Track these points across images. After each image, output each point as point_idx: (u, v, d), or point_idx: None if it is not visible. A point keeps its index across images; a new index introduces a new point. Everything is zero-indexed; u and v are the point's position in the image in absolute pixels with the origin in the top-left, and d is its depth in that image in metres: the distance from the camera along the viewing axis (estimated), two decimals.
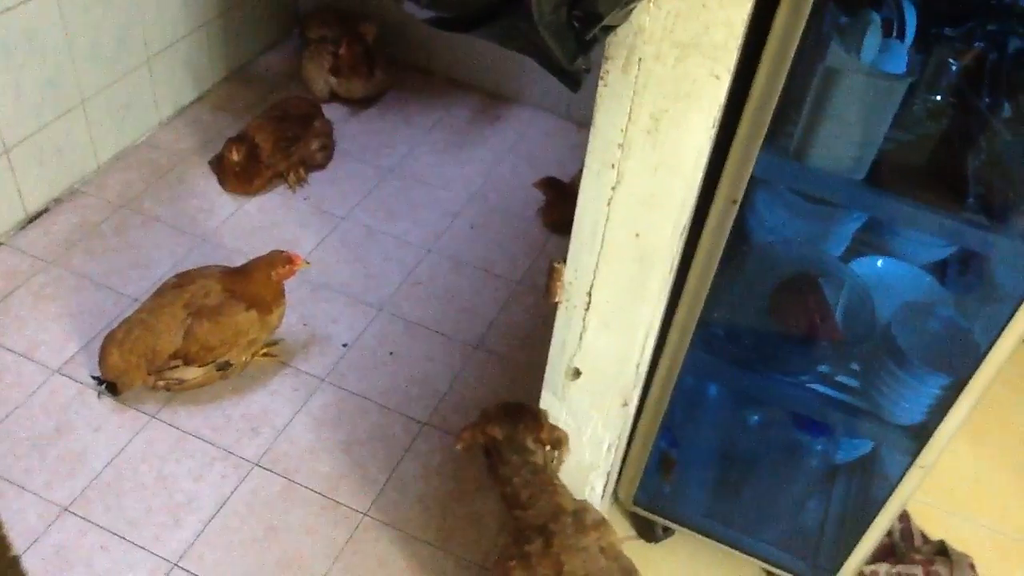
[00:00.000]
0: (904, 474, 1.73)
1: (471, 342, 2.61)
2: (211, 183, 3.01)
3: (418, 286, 2.77)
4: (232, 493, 2.15)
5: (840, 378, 1.75)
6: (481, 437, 1.84)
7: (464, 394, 2.47)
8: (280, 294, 2.32)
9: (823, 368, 1.76)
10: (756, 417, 1.92)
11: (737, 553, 2.05)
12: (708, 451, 2.00)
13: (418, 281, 2.79)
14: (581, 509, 1.74)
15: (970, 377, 1.57)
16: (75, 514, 2.06)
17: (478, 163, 3.32)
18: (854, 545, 1.87)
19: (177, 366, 2.21)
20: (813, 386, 1.77)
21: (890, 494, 1.76)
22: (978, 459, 2.49)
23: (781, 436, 1.90)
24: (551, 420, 1.86)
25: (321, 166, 3.17)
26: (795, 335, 1.76)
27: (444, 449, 2.32)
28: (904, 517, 2.23)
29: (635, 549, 2.12)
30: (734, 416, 1.92)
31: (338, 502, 2.17)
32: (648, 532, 2.13)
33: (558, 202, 2.99)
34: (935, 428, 1.64)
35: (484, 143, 3.42)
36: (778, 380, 1.80)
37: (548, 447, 1.84)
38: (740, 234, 1.64)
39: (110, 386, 2.25)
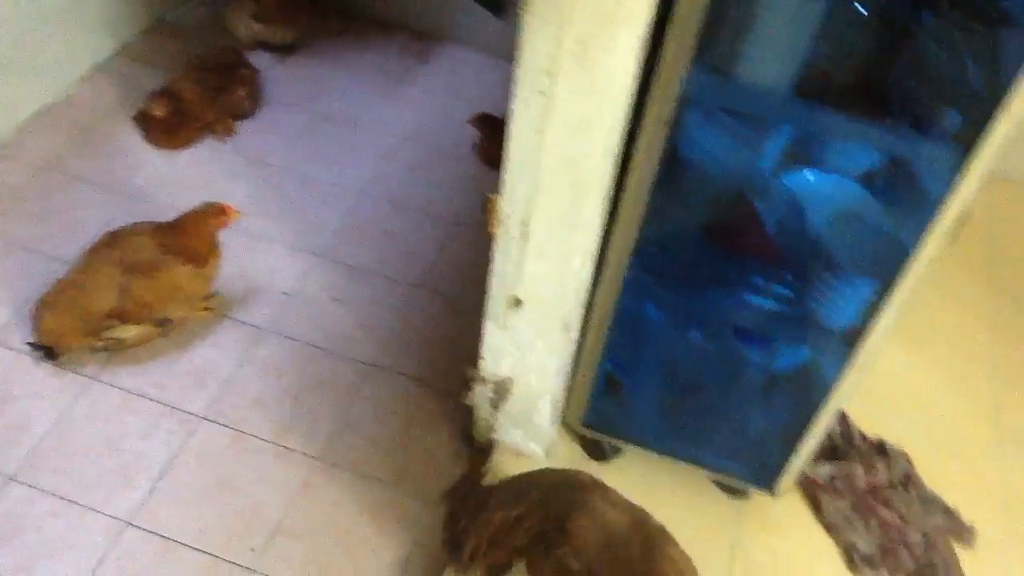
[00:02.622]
0: (839, 378, 1.78)
1: (415, 282, 2.61)
2: (136, 139, 2.93)
3: (357, 230, 2.75)
4: (181, 449, 2.14)
5: (775, 289, 1.79)
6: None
7: (411, 334, 2.47)
8: (215, 246, 2.29)
9: (758, 281, 1.79)
10: (697, 334, 1.95)
11: (685, 465, 2.11)
12: (652, 370, 2.03)
13: (357, 225, 2.76)
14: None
15: (898, 280, 1.62)
16: (22, 483, 2.03)
17: (410, 104, 3.28)
18: (796, 449, 1.94)
19: (114, 325, 2.17)
20: (749, 299, 1.81)
21: (827, 398, 1.82)
22: (912, 361, 2.57)
23: (722, 350, 1.94)
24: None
25: (250, 115, 3.10)
26: (729, 251, 1.79)
27: (394, 389, 2.33)
28: (844, 419, 2.30)
29: (586, 470, 2.16)
30: (676, 334, 1.96)
31: (290, 449, 2.17)
32: (598, 452, 2.17)
33: (493, 138, 2.97)
34: (867, 331, 1.69)
35: (415, 83, 3.38)
36: (715, 296, 1.83)
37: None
38: (673, 156, 1.65)
39: (47, 351, 2.21)
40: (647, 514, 1.74)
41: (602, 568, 1.63)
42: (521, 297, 1.82)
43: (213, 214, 2.25)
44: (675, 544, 1.71)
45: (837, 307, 1.70)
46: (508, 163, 1.63)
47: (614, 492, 1.78)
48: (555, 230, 1.69)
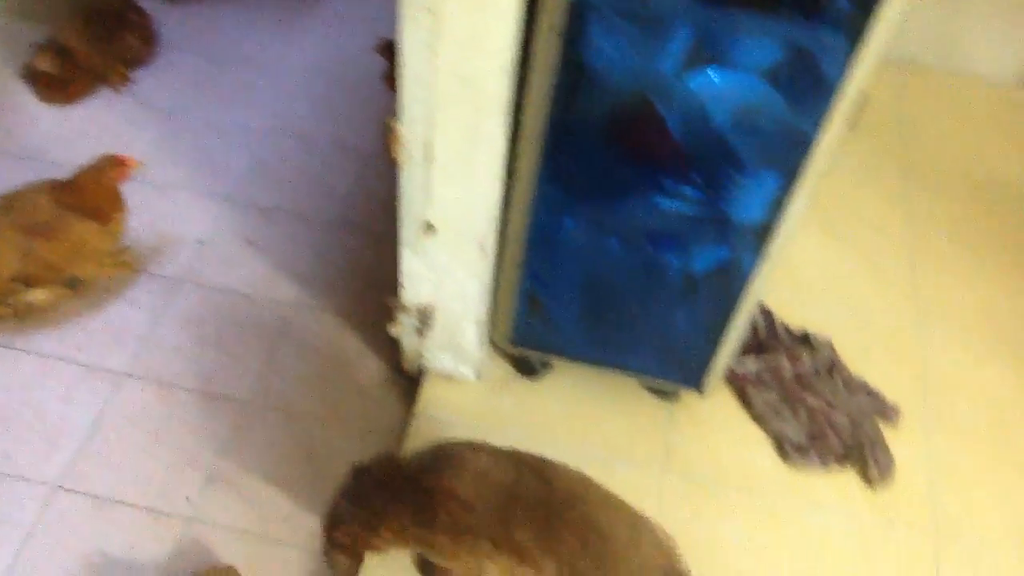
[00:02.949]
0: (755, 273, 1.81)
1: (331, 218, 2.56)
2: (27, 96, 2.80)
3: (268, 171, 2.68)
4: (106, 408, 2.10)
5: (685, 191, 1.79)
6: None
7: (332, 271, 2.44)
8: (117, 200, 2.21)
9: (668, 184, 1.79)
10: (614, 242, 1.95)
11: (615, 373, 2.14)
12: (574, 283, 2.03)
13: (267, 166, 2.70)
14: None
15: (802, 171, 1.63)
16: None
17: (312, 36, 3.18)
18: (719, 347, 1.97)
19: (20, 290, 2.10)
20: (661, 203, 1.81)
21: (745, 294, 1.84)
22: (831, 250, 2.62)
23: (640, 257, 1.94)
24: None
25: (144, 62, 2.98)
26: (637, 157, 1.78)
27: (319, 328, 2.31)
28: (767, 313, 2.35)
29: (518, 388, 2.18)
30: (593, 245, 1.95)
31: (217, 396, 2.15)
32: (528, 369, 2.18)
33: None
34: (778, 224, 1.71)
35: (315, 14, 3.27)
36: (628, 203, 1.83)
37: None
38: (572, 65, 1.62)
39: None
40: (520, 451, 1.67)
41: (500, 509, 1.55)
42: (433, 222, 1.80)
43: (112, 167, 2.17)
44: (564, 465, 1.65)
45: (746, 203, 1.71)
46: (403, 85, 1.60)
47: (483, 443, 1.69)
48: (459, 150, 1.66)
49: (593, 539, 1.49)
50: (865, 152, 2.89)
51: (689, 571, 1.50)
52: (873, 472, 2.10)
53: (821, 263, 2.58)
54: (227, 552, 1.93)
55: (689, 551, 1.95)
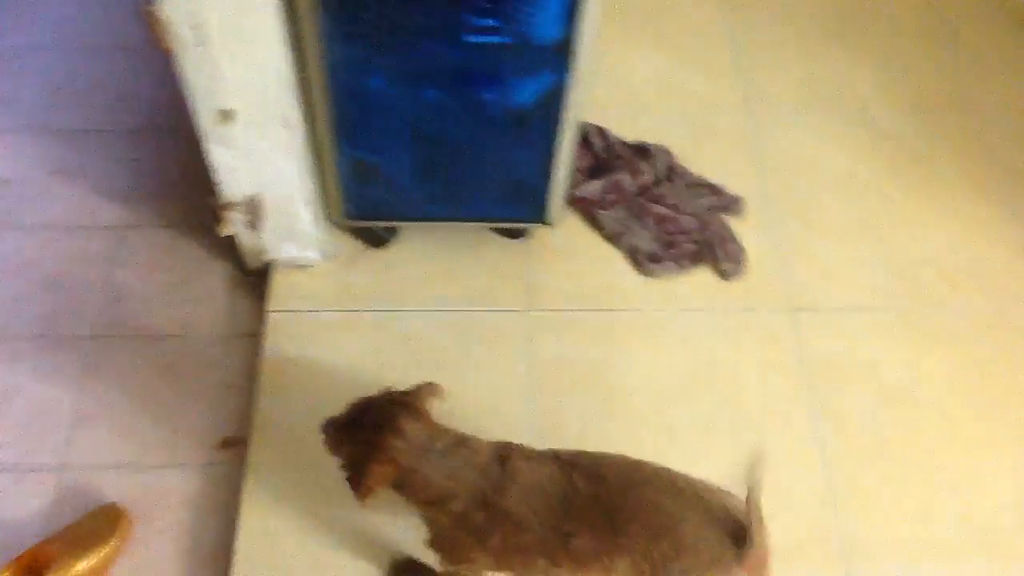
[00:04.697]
0: (569, 92, 1.77)
1: (139, 127, 2.40)
2: None
3: (61, 92, 2.48)
4: None
5: (485, 22, 1.72)
6: (384, 479, 1.43)
7: (152, 183, 2.30)
8: None
9: (467, 18, 1.72)
10: (430, 90, 1.88)
11: (462, 224, 2.11)
12: (399, 142, 1.97)
13: (59, 87, 2.50)
14: (501, 446, 1.51)
15: None
16: None
17: None
18: (554, 175, 1.95)
19: None
20: (466, 39, 1.75)
21: (564, 117, 1.82)
22: (656, 60, 2.60)
23: (459, 100, 1.88)
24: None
25: None
26: None
27: (153, 244, 2.20)
28: (602, 133, 2.33)
29: (370, 260, 2.14)
30: (409, 98, 1.88)
31: (63, 337, 2.04)
32: (374, 240, 2.14)
33: None
34: (578, 39, 1.67)
35: None
36: (433, 46, 1.75)
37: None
38: None
39: None
40: (561, 452, 1.52)
41: (555, 522, 1.43)
42: (228, 107, 1.69)
43: None
44: (609, 455, 1.51)
45: (542, 22, 1.65)
46: None
47: (529, 449, 1.52)
48: (233, 24, 1.55)
49: (661, 522, 1.39)
50: None
51: (760, 518, 1.43)
52: (726, 265, 2.16)
53: (649, 73, 2.57)
54: (109, 490, 1.88)
55: (571, 380, 2.01)
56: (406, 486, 1.42)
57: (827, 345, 2.10)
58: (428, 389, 1.49)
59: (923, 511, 1.90)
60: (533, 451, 1.51)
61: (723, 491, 1.44)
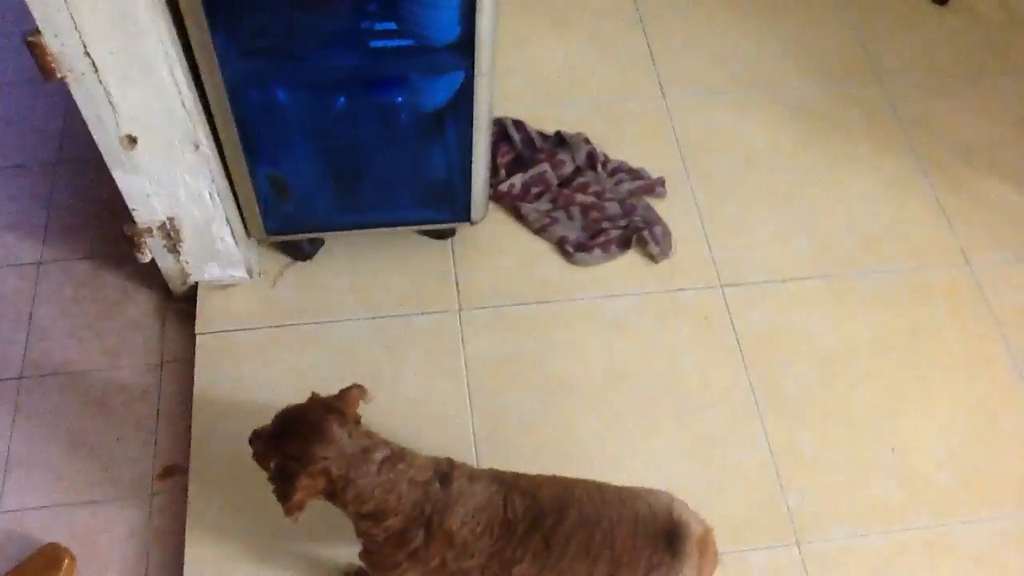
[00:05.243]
0: (478, 88, 1.77)
1: (51, 161, 2.35)
2: None
3: None
4: None
5: (383, 26, 1.71)
6: (312, 491, 1.38)
7: (68, 215, 2.25)
8: None
9: (366, 25, 1.71)
10: (340, 98, 1.87)
11: (387, 230, 2.10)
12: (314, 154, 1.95)
13: None
14: (441, 463, 1.48)
15: None
16: None
17: None
18: (473, 172, 1.95)
19: None
20: (369, 44, 1.74)
21: (475, 113, 1.81)
22: (567, 48, 2.60)
23: (369, 105, 1.87)
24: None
25: None
26: (318, 4, 1.68)
27: (74, 278, 2.15)
28: (520, 126, 2.34)
29: (297, 274, 2.12)
30: (320, 108, 1.86)
31: None
32: (300, 253, 2.12)
33: None
34: (479, 34, 1.66)
35: None
36: (331, 54, 1.74)
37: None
38: None
39: None
40: (499, 471, 1.52)
41: (496, 546, 1.43)
42: (132, 133, 1.66)
43: None
44: (541, 475, 1.51)
45: (440, 22, 1.65)
46: None
47: (469, 468, 1.51)
48: (124, 50, 1.52)
49: (595, 540, 1.39)
50: None
51: (692, 518, 1.41)
52: (653, 248, 2.17)
53: (562, 62, 2.57)
54: (50, 531, 1.84)
55: (509, 375, 2.01)
56: (339, 497, 1.40)
57: (758, 318, 2.13)
58: (356, 392, 1.45)
59: (865, 475, 1.94)
60: (474, 470, 1.49)
61: (649, 491, 1.45)
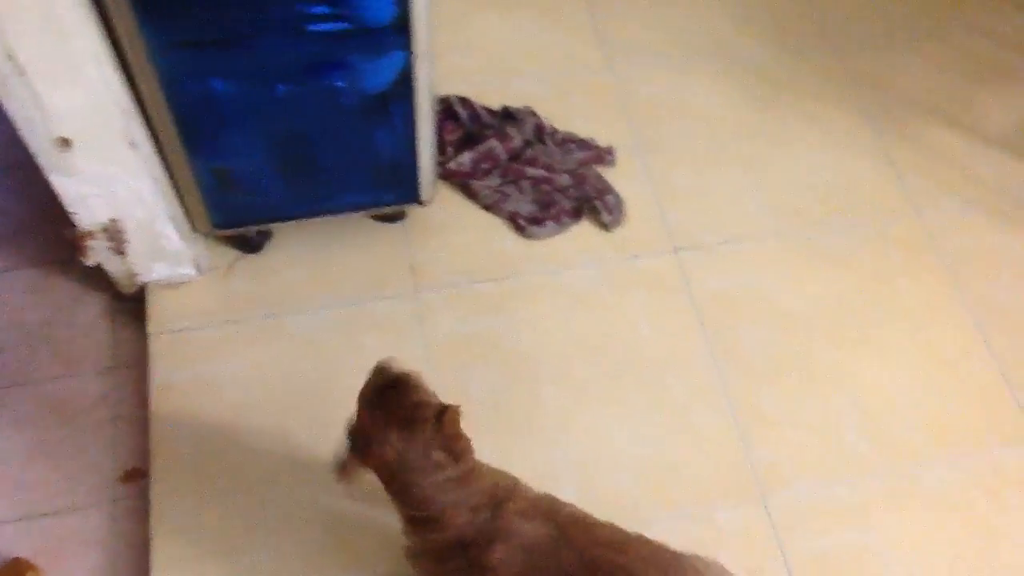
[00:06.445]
0: (416, 68, 1.75)
1: None
2: None
3: None
4: None
5: (318, 10, 1.68)
6: (371, 462, 1.39)
7: (14, 221, 2.20)
8: None
9: (301, 8, 1.68)
10: (281, 85, 1.83)
11: (335, 217, 2.08)
12: (256, 143, 1.91)
13: None
14: (500, 491, 1.45)
15: None
16: None
17: None
18: (419, 152, 1.93)
19: None
20: (306, 28, 1.71)
21: (415, 92, 1.79)
22: (511, 23, 2.57)
23: (311, 90, 1.84)
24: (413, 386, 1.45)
25: None
26: None
27: (22, 286, 2.11)
28: (466, 103, 2.31)
29: (247, 267, 2.09)
30: (260, 96, 1.82)
31: None
32: (249, 246, 2.09)
33: None
34: (413, 13, 1.64)
35: None
36: (268, 41, 1.71)
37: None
38: None
39: None
40: (553, 502, 1.49)
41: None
42: (65, 135, 1.62)
43: None
44: (590, 517, 1.49)
45: (374, 2, 1.62)
46: None
47: (524, 493, 1.49)
48: (50, 50, 1.48)
49: None
50: None
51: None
52: (606, 217, 2.17)
53: (506, 36, 2.54)
54: (13, 545, 1.82)
55: (470, 354, 2.00)
56: (393, 493, 1.41)
57: (715, 281, 2.14)
58: (452, 413, 1.40)
59: (828, 429, 1.96)
60: (530, 503, 1.45)
61: (705, 564, 1.40)
